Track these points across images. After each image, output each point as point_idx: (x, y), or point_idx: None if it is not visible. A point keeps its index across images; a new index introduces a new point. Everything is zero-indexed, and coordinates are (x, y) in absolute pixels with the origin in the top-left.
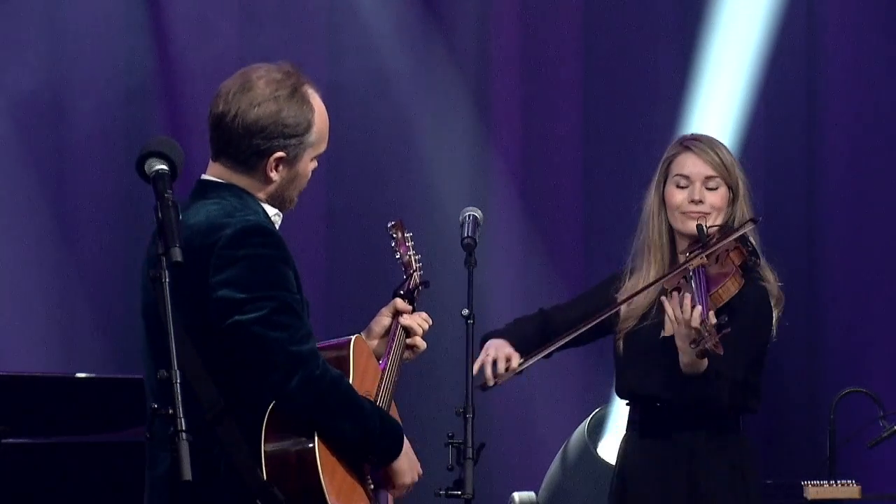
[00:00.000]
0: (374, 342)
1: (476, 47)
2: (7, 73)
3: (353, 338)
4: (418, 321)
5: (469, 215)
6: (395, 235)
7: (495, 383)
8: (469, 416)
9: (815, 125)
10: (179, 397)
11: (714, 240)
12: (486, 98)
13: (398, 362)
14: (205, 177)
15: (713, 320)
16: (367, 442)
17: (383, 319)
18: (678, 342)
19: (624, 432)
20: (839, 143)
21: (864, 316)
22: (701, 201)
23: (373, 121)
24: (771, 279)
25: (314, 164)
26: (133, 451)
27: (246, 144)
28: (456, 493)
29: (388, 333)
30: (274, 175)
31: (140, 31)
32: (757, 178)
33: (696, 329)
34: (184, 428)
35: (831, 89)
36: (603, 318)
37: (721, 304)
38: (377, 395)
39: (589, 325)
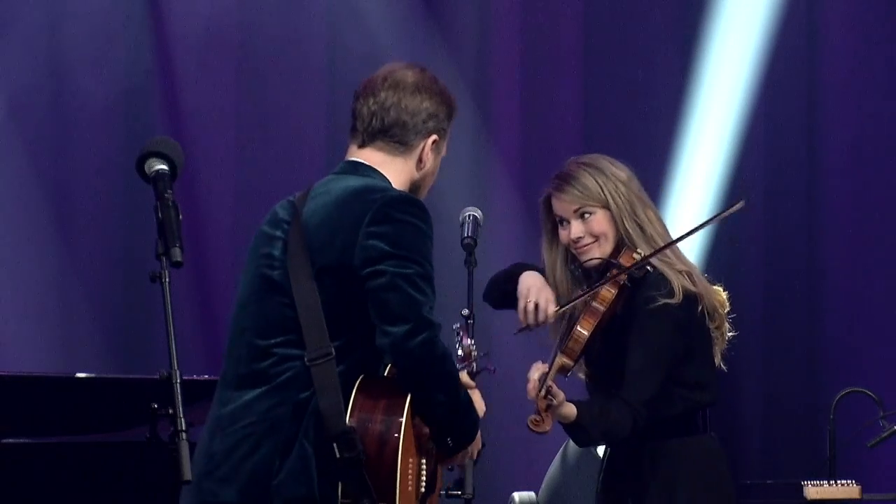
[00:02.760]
0: None
1: (476, 47)
2: (7, 73)
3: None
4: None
5: (469, 215)
6: (458, 336)
7: (533, 327)
8: None
9: (815, 125)
10: (180, 397)
11: (585, 286)
12: (487, 98)
13: None
14: (352, 158)
15: (542, 393)
16: (452, 423)
17: None
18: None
19: None
20: (839, 143)
21: (864, 316)
22: (580, 237)
23: None
24: (676, 282)
25: (439, 162)
26: (133, 451)
27: (411, 124)
28: (456, 492)
29: None
30: (427, 159)
31: (141, 31)
32: (757, 178)
33: (540, 397)
34: (183, 428)
35: (831, 88)
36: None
37: (578, 353)
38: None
39: (590, 293)
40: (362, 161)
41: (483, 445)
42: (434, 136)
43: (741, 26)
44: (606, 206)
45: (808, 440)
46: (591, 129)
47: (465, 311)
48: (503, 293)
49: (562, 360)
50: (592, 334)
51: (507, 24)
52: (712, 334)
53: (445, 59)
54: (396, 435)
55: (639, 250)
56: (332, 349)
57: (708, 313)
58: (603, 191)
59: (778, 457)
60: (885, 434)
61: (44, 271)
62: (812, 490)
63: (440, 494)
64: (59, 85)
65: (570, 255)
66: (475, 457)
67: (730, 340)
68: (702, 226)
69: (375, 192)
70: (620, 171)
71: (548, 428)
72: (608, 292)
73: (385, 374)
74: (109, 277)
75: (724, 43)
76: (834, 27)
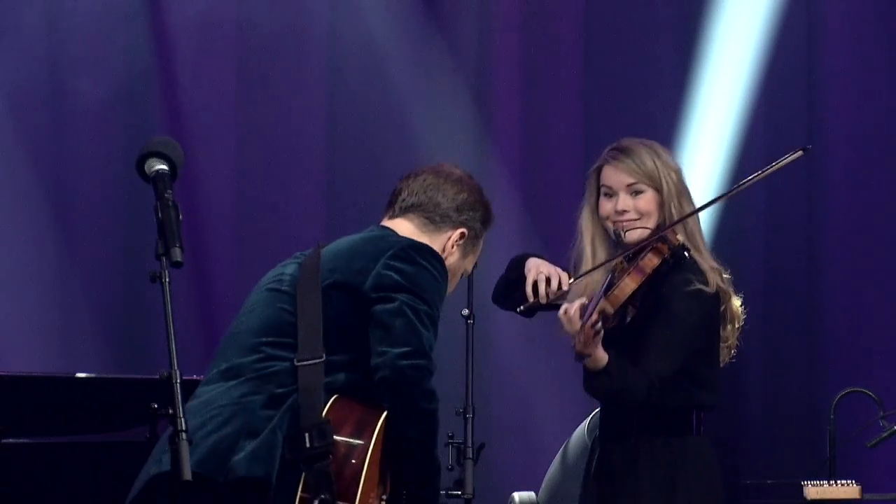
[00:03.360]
0: None
1: (476, 47)
2: (5, 73)
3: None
4: None
5: None
6: None
7: (545, 303)
8: (469, 416)
9: (815, 125)
10: (180, 397)
11: (631, 246)
12: (487, 98)
13: None
14: (384, 224)
15: (591, 321)
16: (414, 471)
17: None
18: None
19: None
20: (840, 143)
21: (864, 316)
22: (626, 210)
23: (373, 121)
24: (711, 277)
25: (464, 274)
26: (132, 451)
27: (444, 207)
28: (456, 493)
29: None
30: (450, 251)
31: (139, 31)
32: (756, 166)
33: (576, 331)
34: (184, 428)
35: (831, 88)
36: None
37: (619, 304)
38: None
39: (602, 266)
40: (390, 227)
41: (483, 445)
42: (463, 230)
43: (741, 27)
44: (657, 189)
45: (808, 440)
46: (591, 129)
47: (465, 311)
48: (510, 282)
49: (605, 304)
50: (635, 292)
51: (507, 25)
52: (722, 339)
53: (446, 59)
54: (365, 447)
55: (679, 236)
56: (324, 355)
57: (726, 317)
58: (658, 172)
59: (778, 457)
60: (886, 434)
61: (44, 271)
62: (812, 490)
63: (440, 494)
64: (57, 84)
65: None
66: None
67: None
68: (755, 178)
69: (399, 238)
70: (674, 162)
71: (595, 350)
72: (651, 260)
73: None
74: (109, 277)
75: (724, 42)
76: (834, 27)
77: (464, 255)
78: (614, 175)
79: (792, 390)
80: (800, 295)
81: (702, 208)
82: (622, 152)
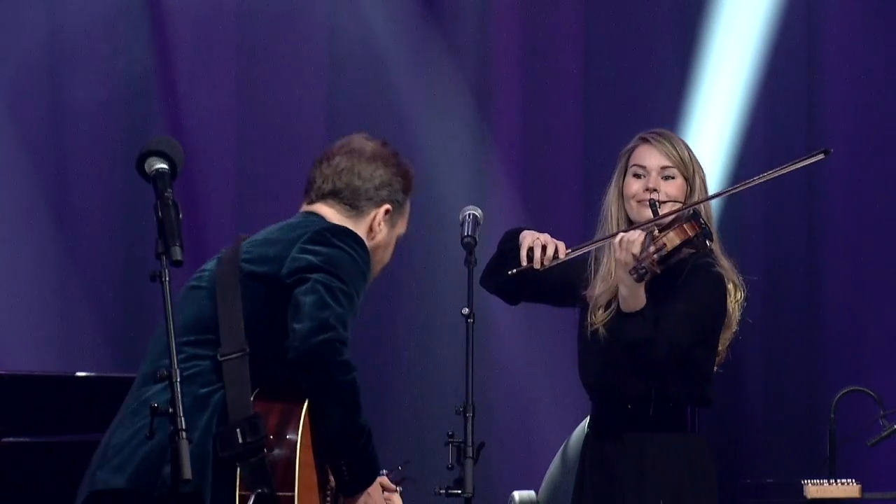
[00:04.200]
0: None
1: (476, 46)
2: (5, 72)
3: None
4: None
5: (469, 214)
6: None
7: (538, 268)
8: (469, 415)
9: (815, 122)
10: (180, 397)
11: (667, 213)
12: (487, 97)
13: None
14: (306, 209)
15: (652, 249)
16: (346, 444)
17: None
18: (619, 273)
19: (586, 430)
20: (839, 142)
21: (864, 315)
22: (655, 189)
23: (374, 120)
24: (727, 266)
25: (399, 238)
26: None
27: (363, 190)
28: (456, 491)
29: None
30: (378, 230)
31: (140, 32)
32: (756, 171)
33: (634, 255)
34: (183, 427)
35: (831, 85)
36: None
37: (668, 252)
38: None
39: (602, 241)
40: (314, 211)
41: (483, 444)
42: (387, 206)
43: (742, 21)
44: (687, 178)
45: (808, 439)
46: (590, 128)
47: (465, 311)
48: (502, 253)
49: (656, 244)
50: (677, 248)
51: (507, 23)
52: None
53: (446, 58)
54: (294, 429)
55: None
56: (247, 347)
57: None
58: (692, 164)
59: (778, 455)
60: (886, 433)
61: (44, 270)
62: (812, 489)
63: (440, 493)
64: (57, 83)
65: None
66: None
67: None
68: (775, 172)
69: (316, 221)
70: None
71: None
72: (682, 232)
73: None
74: (109, 276)
75: (724, 38)
76: (834, 25)
77: (392, 225)
78: (649, 155)
79: (792, 389)
80: (800, 294)
81: (717, 195)
82: (661, 135)
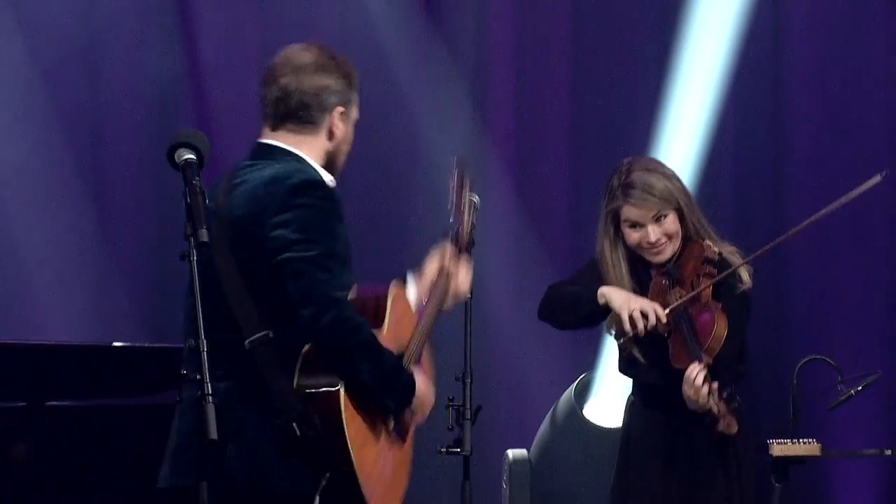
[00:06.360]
0: (424, 284)
1: (473, 50)
2: (46, 68)
3: (392, 289)
4: (461, 267)
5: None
6: (456, 177)
7: (641, 334)
8: (468, 381)
9: (781, 116)
10: (206, 364)
11: (687, 262)
12: (483, 96)
13: (435, 310)
14: (267, 141)
15: (716, 391)
16: (384, 386)
17: (432, 263)
18: (690, 406)
19: (628, 396)
20: (803, 129)
21: (825, 291)
22: (658, 239)
23: (378, 118)
24: (743, 274)
25: (353, 127)
26: (164, 413)
27: (314, 104)
28: (456, 450)
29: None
30: (336, 130)
31: (172, 38)
32: (726, 165)
33: (706, 405)
34: (209, 392)
35: (796, 86)
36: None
37: (718, 349)
38: (409, 343)
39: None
40: (277, 144)
41: (480, 407)
42: (340, 109)
43: (714, 29)
44: (677, 208)
45: (773, 403)
46: (578, 124)
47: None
48: (588, 314)
49: (707, 359)
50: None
51: (502, 28)
52: None
53: (446, 60)
54: (337, 403)
55: (707, 242)
56: (270, 335)
57: None
58: (672, 193)
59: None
60: (843, 398)
61: (83, 251)
62: (777, 448)
63: (441, 452)
64: (95, 79)
65: (637, 258)
66: (425, 417)
67: None
68: (838, 205)
69: (278, 182)
70: (671, 171)
71: (735, 429)
72: (708, 289)
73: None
74: (143, 256)
75: (698, 45)
76: (798, 30)
77: (349, 119)
78: (638, 213)
79: (759, 357)
80: (768, 272)
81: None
82: (640, 190)
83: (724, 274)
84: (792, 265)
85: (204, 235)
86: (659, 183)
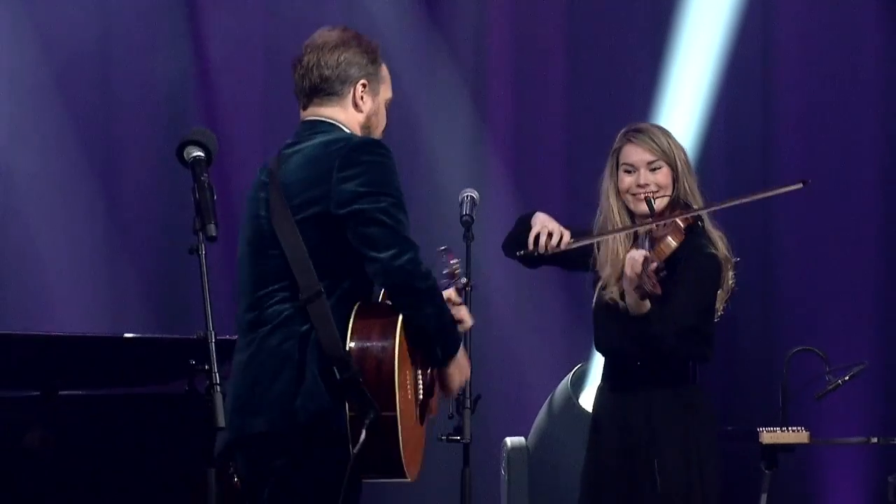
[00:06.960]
0: None
1: (474, 51)
2: (60, 61)
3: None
4: (463, 313)
5: (467, 195)
6: (443, 258)
7: (542, 254)
8: None
9: (770, 117)
10: (214, 354)
11: (664, 213)
12: (483, 95)
13: None
14: (307, 118)
15: (652, 267)
16: (440, 332)
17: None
18: (625, 287)
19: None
20: (792, 129)
21: (814, 283)
22: (647, 184)
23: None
24: (719, 244)
25: (388, 103)
26: (173, 402)
27: (334, 76)
28: (456, 438)
29: None
30: (362, 103)
31: (181, 41)
32: (716, 166)
33: (637, 275)
34: (218, 381)
35: (784, 83)
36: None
37: (664, 257)
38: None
39: (614, 233)
40: (317, 118)
41: (479, 396)
42: (363, 81)
43: (705, 29)
44: (671, 165)
45: (763, 392)
46: (573, 121)
47: (464, 280)
48: (518, 231)
49: (653, 257)
50: (675, 251)
51: (501, 30)
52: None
53: (447, 60)
54: (392, 351)
55: (694, 206)
56: (322, 287)
57: (722, 285)
58: (672, 150)
59: (737, 406)
60: (831, 387)
61: (96, 245)
62: (766, 435)
63: (442, 439)
64: (106, 77)
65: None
66: (461, 385)
67: None
68: (755, 197)
69: (339, 142)
70: (680, 143)
71: (659, 291)
72: (677, 231)
73: (379, 300)
74: (153, 250)
75: (689, 45)
76: (787, 29)
77: (375, 93)
78: (634, 153)
79: (749, 348)
80: (757, 263)
81: (703, 209)
82: (640, 132)
83: (691, 212)
84: (781, 258)
85: (212, 230)
86: (661, 136)
